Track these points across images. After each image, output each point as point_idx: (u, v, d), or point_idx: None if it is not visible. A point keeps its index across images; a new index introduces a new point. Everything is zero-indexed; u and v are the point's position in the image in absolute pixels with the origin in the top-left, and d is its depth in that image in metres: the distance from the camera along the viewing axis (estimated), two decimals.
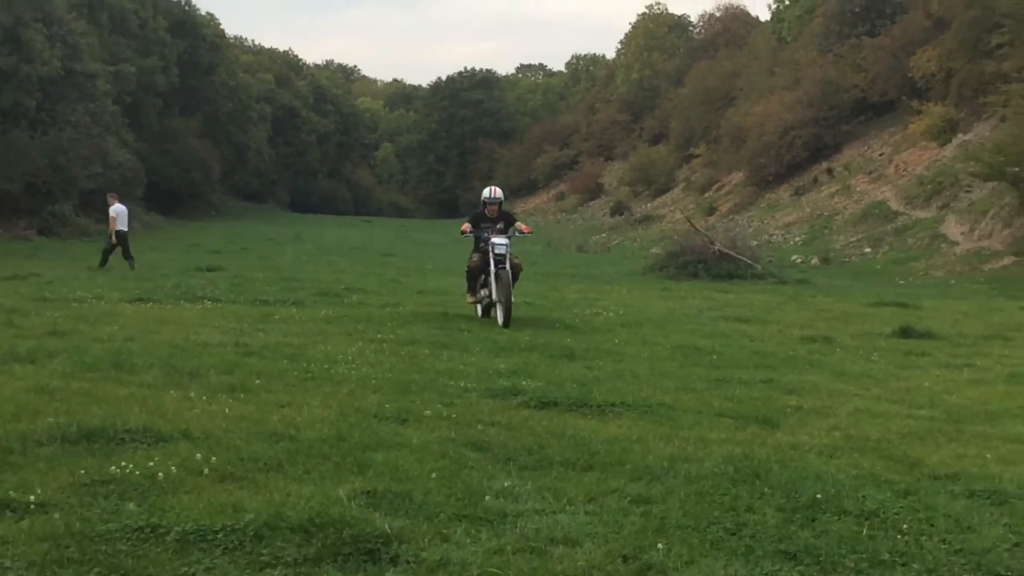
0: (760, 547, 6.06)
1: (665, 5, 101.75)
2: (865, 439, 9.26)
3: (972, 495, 7.35)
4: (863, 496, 7.19)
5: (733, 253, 33.39)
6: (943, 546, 6.20)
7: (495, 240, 17.60)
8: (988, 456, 8.71)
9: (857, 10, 57.83)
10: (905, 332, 17.76)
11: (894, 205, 46.71)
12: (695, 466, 7.83)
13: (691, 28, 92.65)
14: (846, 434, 9.46)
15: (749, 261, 33.10)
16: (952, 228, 41.18)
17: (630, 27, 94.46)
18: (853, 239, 45.29)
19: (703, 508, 6.77)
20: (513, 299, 17.52)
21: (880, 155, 52.55)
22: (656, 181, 71.60)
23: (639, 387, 11.44)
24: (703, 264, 33.21)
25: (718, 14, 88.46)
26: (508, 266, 17.32)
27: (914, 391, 12.26)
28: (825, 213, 50.15)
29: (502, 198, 18.62)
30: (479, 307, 18.57)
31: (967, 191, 42.35)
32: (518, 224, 18.58)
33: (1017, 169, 34.89)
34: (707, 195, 63.40)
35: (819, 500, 7.02)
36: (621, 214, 67.68)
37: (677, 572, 5.59)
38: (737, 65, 69.97)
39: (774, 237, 48.25)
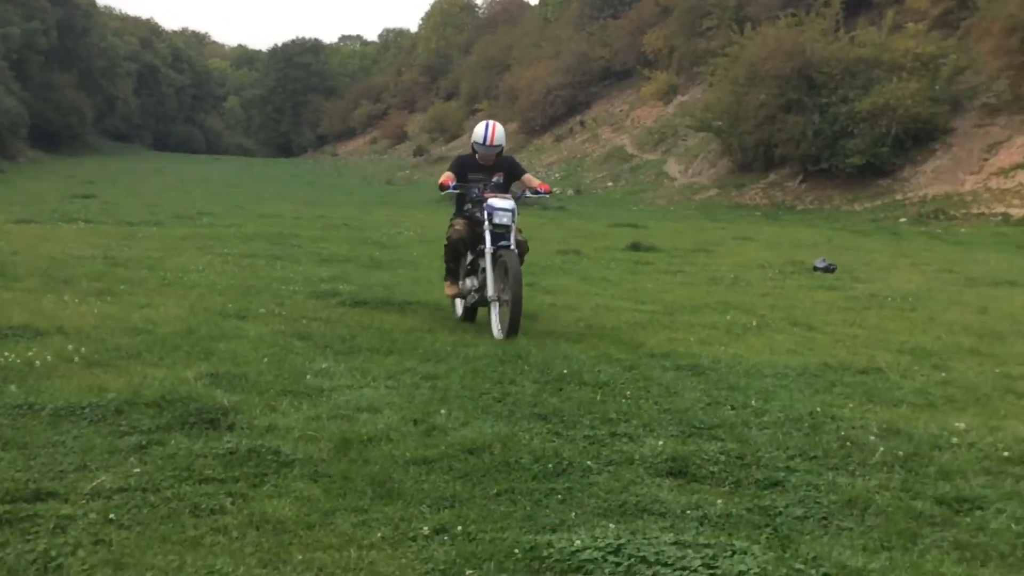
0: (519, 410, 6.15)
1: None
2: (602, 327, 9.45)
3: (679, 368, 7.58)
4: (599, 371, 7.35)
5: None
6: (655, 406, 6.38)
7: (494, 203, 8.94)
8: (692, 339, 8.98)
9: None
10: (635, 246, 18.13)
11: (630, 150, 47.47)
12: (472, 350, 7.87)
13: (477, 9, 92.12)
14: (588, 324, 9.63)
15: (518, 192, 33.26)
16: (672, 167, 42.18)
17: (429, 7, 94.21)
18: (599, 175, 45.90)
19: (477, 382, 6.82)
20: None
21: (620, 111, 53.23)
22: (449, 129, 71.03)
23: (431, 290, 11.42)
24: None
25: None
26: (513, 244, 8.93)
27: (640, 291, 12.54)
28: (578, 155, 50.67)
29: (503, 142, 9.47)
30: (459, 304, 9.82)
31: (684, 139, 43.34)
32: (527, 178, 9.60)
33: (720, 123, 35.83)
34: None
35: (565, 374, 7.15)
36: (422, 155, 67.16)
37: (455, 431, 5.62)
38: (512, 39, 69.68)
39: (539, 174, 48.53)
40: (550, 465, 5.07)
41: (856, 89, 30.92)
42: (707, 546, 4.03)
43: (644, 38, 50.68)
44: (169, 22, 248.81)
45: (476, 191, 9.20)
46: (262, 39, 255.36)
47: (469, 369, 7.19)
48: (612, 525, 4.29)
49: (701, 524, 4.37)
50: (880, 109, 29.91)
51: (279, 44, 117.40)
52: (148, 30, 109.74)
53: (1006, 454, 5.52)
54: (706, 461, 5.20)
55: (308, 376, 6.73)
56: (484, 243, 8.90)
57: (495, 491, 4.71)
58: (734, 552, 3.99)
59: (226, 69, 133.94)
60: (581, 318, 10.00)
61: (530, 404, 6.29)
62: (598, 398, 6.52)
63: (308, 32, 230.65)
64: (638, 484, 4.86)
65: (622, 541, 4.03)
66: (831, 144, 31.07)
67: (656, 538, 4.10)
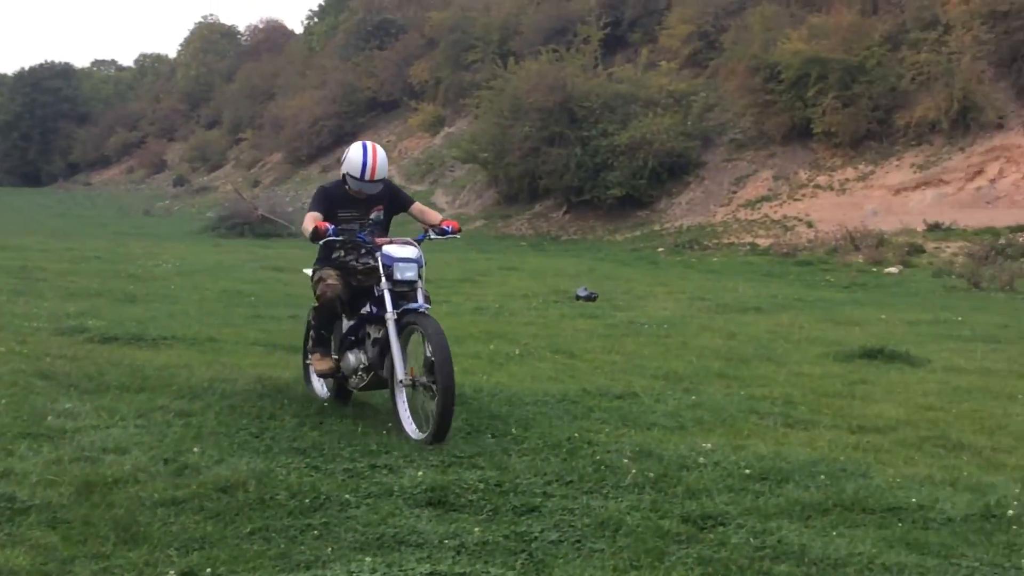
0: (278, 445, 6.03)
1: (218, 16, 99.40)
2: None
3: None
4: (361, 403, 7.32)
5: (273, 217, 33.01)
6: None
7: (392, 252, 6.87)
8: (455, 369, 9.02)
9: (370, 28, 58.35)
10: None
11: (398, 180, 47.53)
12: (230, 385, 7.67)
13: (239, 36, 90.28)
14: None
15: (285, 223, 32.77)
16: (440, 198, 42.60)
17: (189, 32, 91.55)
18: None
19: (234, 418, 6.66)
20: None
21: (388, 142, 53.24)
22: (211, 159, 69.20)
23: (188, 324, 11.08)
24: (248, 225, 32.61)
25: (261, 25, 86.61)
26: (424, 302, 6.87)
27: None
28: None
29: (385, 172, 7.20)
30: (322, 384, 7.67)
31: (451, 170, 43.87)
32: (421, 210, 7.59)
33: (486, 155, 36.46)
34: (252, 171, 62.05)
35: (326, 407, 7.11)
36: (182, 185, 65.09)
37: (208, 469, 5.45)
38: (277, 67, 68.66)
39: (305, 207, 47.87)
40: (307, 500, 4.99)
41: (615, 123, 32.18)
42: (462, 575, 4.06)
43: (410, 70, 51.07)
44: None
45: (361, 235, 6.96)
46: (6, 63, 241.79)
47: (226, 405, 7.00)
48: (368, 558, 4.26)
49: (458, 553, 4.40)
50: (637, 143, 31.22)
51: (26, 68, 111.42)
52: None
53: (747, 471, 5.83)
54: (465, 490, 5.24)
55: (50, 417, 6.37)
56: (382, 307, 6.69)
57: (248, 530, 4.60)
58: None
59: None
60: None
61: (289, 439, 6.19)
62: (359, 430, 6.47)
63: (58, 56, 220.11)
64: (396, 516, 4.85)
65: (377, 574, 4.01)
66: (593, 176, 32.15)
67: (412, 569, 4.11)
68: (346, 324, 7.21)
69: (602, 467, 5.82)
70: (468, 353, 10.04)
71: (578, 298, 15.79)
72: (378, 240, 6.97)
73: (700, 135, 32.81)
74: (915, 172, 27.96)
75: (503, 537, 4.61)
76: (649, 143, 31.09)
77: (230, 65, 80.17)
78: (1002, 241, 22.28)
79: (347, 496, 5.10)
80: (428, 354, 6.41)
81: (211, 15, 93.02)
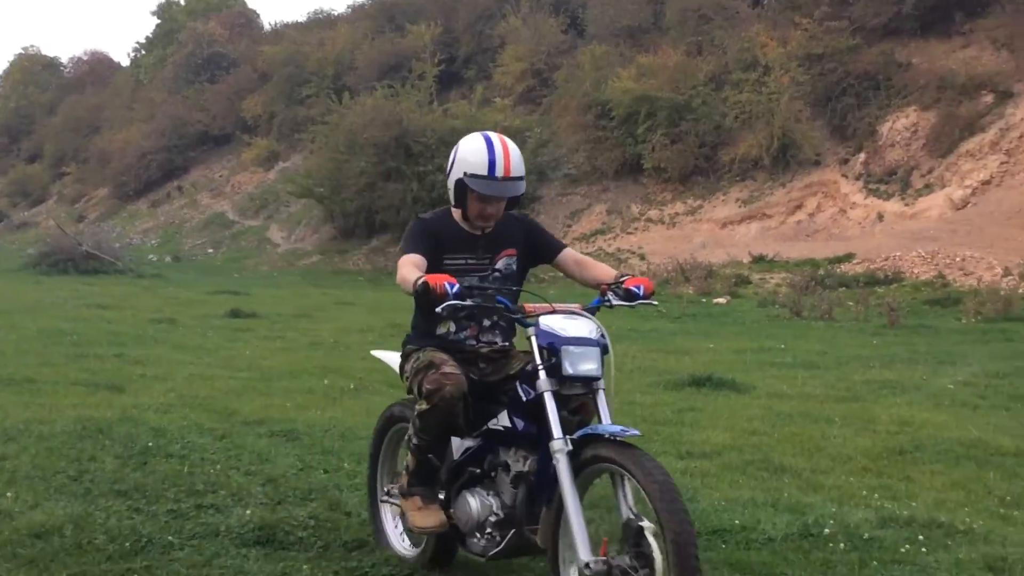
0: (97, 488, 5.79)
1: (39, 47, 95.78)
2: (195, 397, 9.13)
3: (272, 435, 7.46)
4: (187, 441, 7.09)
5: (98, 253, 31.83)
6: (246, 475, 6.24)
7: (554, 326, 4.01)
8: (288, 405, 8.89)
9: (200, 62, 57.15)
10: (235, 313, 17.75)
11: (231, 215, 46.72)
12: (47, 427, 7.33)
13: (62, 67, 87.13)
14: (180, 394, 9.28)
15: (112, 259, 31.69)
16: (275, 233, 41.99)
17: (8, 64, 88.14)
18: (199, 242, 44.78)
19: (51, 460, 6.36)
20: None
21: (220, 176, 52.28)
22: (32, 193, 66.51)
23: (4, 364, 10.56)
24: (72, 262, 31.29)
25: (85, 57, 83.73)
26: (611, 420, 3.91)
27: (237, 358, 12.27)
28: (176, 221, 49.13)
29: (522, 166, 4.39)
30: (407, 539, 4.86)
31: (286, 205, 43.27)
32: (587, 265, 4.72)
33: (321, 190, 36.14)
34: (77, 206, 59.90)
35: (151, 447, 6.84)
36: (1, 221, 62.46)
37: (22, 514, 5.18)
38: (102, 100, 66.50)
39: (134, 240, 46.38)
40: (127, 544, 4.79)
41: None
42: None
43: (243, 103, 50.31)
44: None
45: (505, 301, 4.27)
46: None
47: (43, 447, 6.68)
48: None
49: None
50: None
51: None
52: None
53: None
54: (295, 527, 5.13)
55: None
56: (530, 421, 4.08)
57: None
58: None
59: None
60: (172, 388, 9.61)
61: (110, 481, 5.94)
62: (185, 470, 6.27)
63: None
64: (222, 556, 4.71)
65: None
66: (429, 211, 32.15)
67: None
68: (459, 446, 4.44)
69: None
70: (302, 388, 9.89)
71: None
72: (529, 307, 4.24)
73: (535, 170, 33.23)
74: (740, 206, 29.08)
75: (333, 573, 4.54)
76: None
77: (52, 97, 77.23)
78: (821, 272, 23.30)
79: (170, 538, 4.92)
80: (629, 513, 3.75)
81: (32, 46, 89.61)
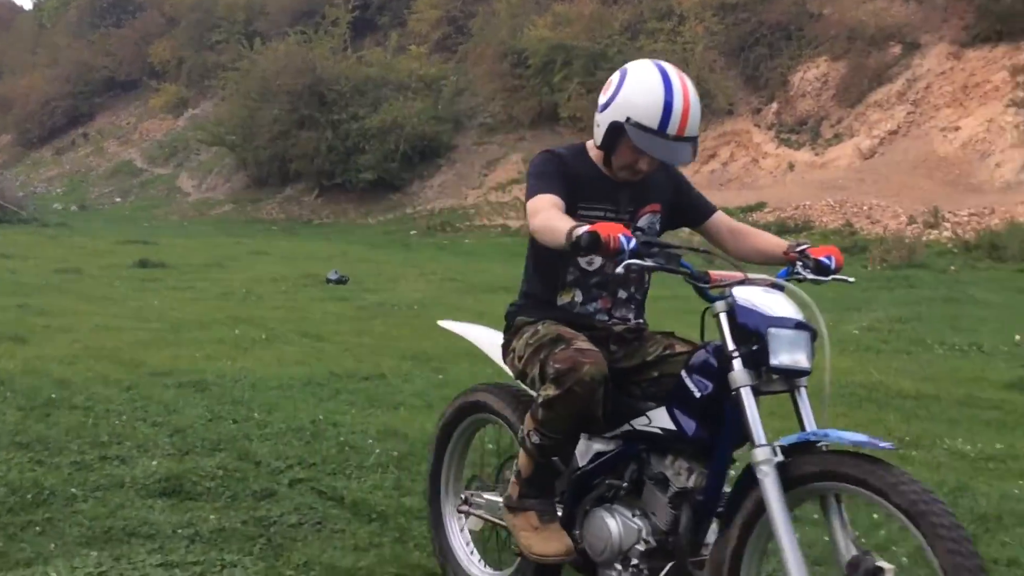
0: None
1: None
2: (101, 348, 8.96)
3: (181, 385, 7.37)
4: (93, 392, 6.96)
5: (1, 202, 30.94)
6: (153, 426, 6.15)
7: (755, 300, 3.11)
8: (197, 355, 8.78)
9: (105, 5, 55.44)
10: (143, 263, 17.40)
11: (139, 164, 45.63)
12: None
13: None
14: (85, 345, 9.10)
15: (15, 208, 30.80)
16: (185, 182, 41.16)
17: None
18: (106, 191, 43.67)
19: None
20: None
21: (127, 123, 50.97)
22: None
23: None
24: None
25: None
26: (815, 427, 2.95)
27: (146, 309, 12.06)
28: (82, 170, 47.83)
29: (698, 124, 3.36)
30: (480, 558, 3.99)
31: (196, 154, 42.38)
32: (746, 233, 3.85)
33: (233, 138, 35.50)
34: None
35: (55, 399, 6.70)
36: None
37: None
38: (3, 44, 64.28)
39: (39, 189, 45.06)
40: (28, 496, 4.70)
41: (366, 107, 31.98)
42: (196, 564, 3.95)
43: (150, 49, 48.96)
44: None
45: (689, 265, 3.38)
46: None
47: None
48: (94, 552, 4.06)
49: (192, 542, 4.26)
50: (389, 126, 31.15)
51: None
52: None
53: None
54: (202, 477, 5.08)
55: None
56: (704, 422, 3.19)
57: None
58: (223, 566, 3.95)
59: None
60: (78, 339, 9.42)
61: (11, 433, 5.81)
62: (89, 421, 6.16)
63: None
64: (127, 508, 4.64)
65: (103, 568, 3.84)
66: (344, 160, 31.85)
67: (142, 561, 3.95)
68: (585, 449, 3.55)
69: (346, 448, 5.77)
70: (212, 339, 9.77)
71: (328, 281, 15.60)
72: (712, 275, 3.42)
73: (451, 119, 33.08)
74: None
75: (240, 523, 4.50)
76: (400, 127, 31.09)
77: None
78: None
79: (73, 490, 4.84)
80: (852, 547, 2.81)
81: None
